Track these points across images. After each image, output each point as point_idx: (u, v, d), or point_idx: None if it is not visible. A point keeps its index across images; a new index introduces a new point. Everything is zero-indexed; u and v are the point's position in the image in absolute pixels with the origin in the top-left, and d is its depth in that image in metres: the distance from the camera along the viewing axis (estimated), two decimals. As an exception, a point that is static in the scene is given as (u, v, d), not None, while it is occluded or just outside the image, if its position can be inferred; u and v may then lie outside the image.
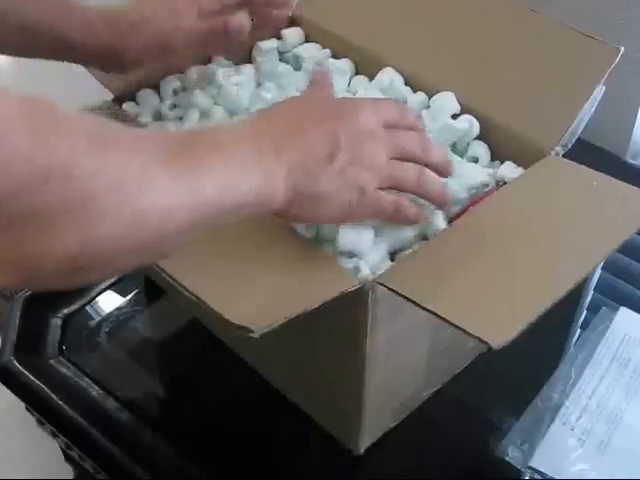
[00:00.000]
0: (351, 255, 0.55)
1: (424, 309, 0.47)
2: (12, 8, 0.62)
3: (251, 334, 0.45)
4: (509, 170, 0.65)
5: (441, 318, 0.46)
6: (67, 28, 0.63)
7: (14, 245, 0.36)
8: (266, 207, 0.49)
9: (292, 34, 0.79)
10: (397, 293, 0.49)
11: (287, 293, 0.50)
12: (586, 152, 0.65)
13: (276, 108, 0.54)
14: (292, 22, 0.80)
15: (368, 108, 0.55)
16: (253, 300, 0.49)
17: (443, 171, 0.57)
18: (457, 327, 0.46)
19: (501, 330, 0.45)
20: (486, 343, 0.44)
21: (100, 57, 0.65)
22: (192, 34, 0.66)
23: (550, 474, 0.64)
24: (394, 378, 0.63)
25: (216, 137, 0.47)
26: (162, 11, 0.66)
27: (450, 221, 0.59)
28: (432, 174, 0.56)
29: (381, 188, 0.54)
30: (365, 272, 0.54)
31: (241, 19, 0.67)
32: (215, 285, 0.49)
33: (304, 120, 0.52)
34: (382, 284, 0.51)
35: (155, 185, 0.41)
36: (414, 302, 0.48)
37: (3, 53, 0.64)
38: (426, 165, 0.56)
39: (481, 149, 0.68)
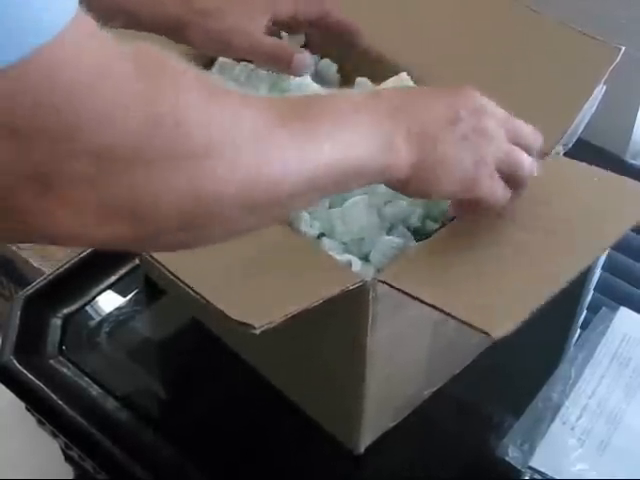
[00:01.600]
0: (344, 250, 0.56)
1: (425, 304, 0.47)
2: None
3: (252, 331, 0.45)
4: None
5: (443, 312, 0.47)
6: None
7: (127, 189, 0.35)
8: (387, 174, 0.46)
9: (291, 35, 0.78)
10: (398, 289, 0.49)
11: (288, 291, 0.50)
12: (586, 152, 0.65)
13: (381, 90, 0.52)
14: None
15: (478, 94, 0.52)
16: (254, 297, 0.49)
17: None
18: (459, 320, 0.46)
19: (502, 322, 0.45)
20: (487, 334, 0.44)
21: (167, 29, 0.63)
22: (256, 47, 0.64)
23: (550, 474, 0.64)
24: (395, 377, 0.63)
25: (330, 102, 0.45)
26: (237, 7, 0.63)
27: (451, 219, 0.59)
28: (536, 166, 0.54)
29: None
30: (356, 267, 0.54)
31: (307, 59, 0.64)
32: (216, 282, 0.50)
33: (419, 94, 0.51)
34: (383, 281, 0.51)
35: (270, 141, 0.39)
36: (415, 297, 0.48)
37: None
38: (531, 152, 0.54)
39: None
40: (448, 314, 0.46)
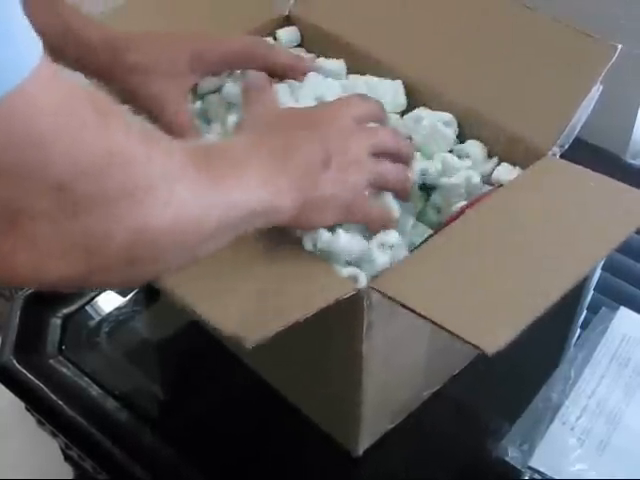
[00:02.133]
0: (349, 264, 0.55)
1: (419, 315, 0.47)
2: None
3: (245, 345, 0.45)
4: (506, 172, 0.65)
5: (436, 324, 0.46)
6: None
7: (80, 230, 0.38)
8: (276, 215, 0.51)
9: (287, 34, 0.78)
10: (391, 299, 0.49)
11: (282, 300, 0.50)
12: (585, 152, 0.65)
13: (261, 126, 0.57)
14: (287, 21, 0.80)
15: (340, 107, 0.59)
16: (247, 307, 0.49)
17: (408, 161, 0.61)
18: (451, 333, 0.46)
19: (496, 335, 0.45)
20: (480, 349, 0.44)
21: (98, 76, 0.65)
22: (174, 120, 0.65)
23: (550, 474, 0.64)
24: (392, 380, 0.63)
25: (230, 153, 0.49)
26: (162, 65, 0.65)
27: (446, 223, 0.59)
28: (405, 168, 0.60)
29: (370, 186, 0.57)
30: (363, 282, 0.53)
31: (260, 79, 0.66)
32: (209, 292, 0.50)
33: (292, 133, 0.55)
34: (377, 290, 0.51)
35: (195, 183, 0.43)
36: (409, 308, 0.48)
37: None
38: (398, 156, 0.59)
39: (476, 148, 0.67)
40: (441, 327, 0.46)
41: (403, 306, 0.48)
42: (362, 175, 0.55)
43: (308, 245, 0.55)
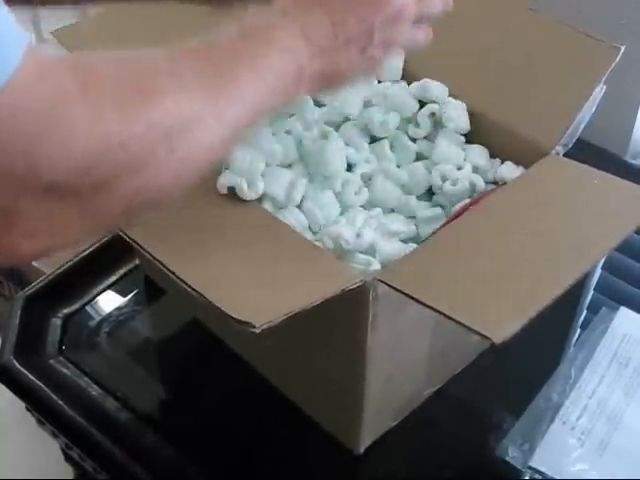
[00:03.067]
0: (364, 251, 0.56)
1: (425, 306, 0.47)
2: None
3: (252, 330, 0.45)
4: (509, 170, 0.65)
5: (443, 314, 0.47)
6: None
7: (78, 215, 0.40)
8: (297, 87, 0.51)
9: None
10: (398, 290, 0.49)
11: (288, 290, 0.50)
12: (586, 152, 0.66)
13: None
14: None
15: None
16: (254, 297, 0.49)
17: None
18: (459, 323, 0.46)
19: (502, 325, 0.45)
20: (488, 338, 0.44)
21: None
22: None
23: (550, 474, 0.64)
24: (395, 377, 0.63)
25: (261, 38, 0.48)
26: None
27: (450, 220, 0.59)
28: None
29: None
30: (376, 267, 0.54)
31: None
32: (217, 282, 0.50)
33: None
34: (383, 281, 0.51)
35: (202, 126, 0.43)
36: (415, 299, 0.48)
37: None
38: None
39: (481, 157, 0.68)
40: (449, 317, 0.46)
41: (409, 297, 0.48)
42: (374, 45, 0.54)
43: (328, 244, 0.56)
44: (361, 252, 0.57)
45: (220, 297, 0.47)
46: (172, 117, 0.42)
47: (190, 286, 0.48)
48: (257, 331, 0.45)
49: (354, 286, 0.50)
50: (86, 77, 0.39)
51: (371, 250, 0.57)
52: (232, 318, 0.46)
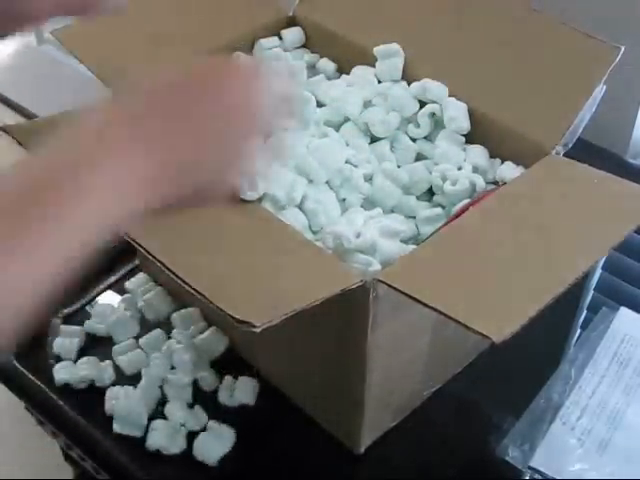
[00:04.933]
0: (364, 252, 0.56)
1: (425, 306, 0.47)
2: None
3: (253, 329, 0.45)
4: (509, 170, 0.65)
5: (443, 314, 0.47)
6: None
7: None
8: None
9: (291, 34, 0.78)
10: (398, 290, 0.49)
11: (289, 290, 0.50)
12: (587, 152, 0.66)
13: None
14: (292, 22, 0.80)
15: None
16: (255, 296, 0.49)
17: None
18: (459, 323, 0.46)
19: (502, 325, 0.45)
20: (488, 338, 0.44)
21: None
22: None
23: (550, 474, 0.64)
24: (395, 376, 0.63)
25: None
26: None
27: (450, 220, 0.59)
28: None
29: None
30: (376, 267, 0.54)
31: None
32: (218, 282, 0.50)
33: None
34: (383, 281, 0.51)
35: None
36: (415, 299, 0.48)
37: None
38: None
39: (482, 159, 0.68)
40: (449, 317, 0.46)
41: (409, 297, 0.48)
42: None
43: (329, 244, 0.56)
44: (361, 252, 0.57)
45: (220, 296, 0.47)
46: None
47: (190, 286, 0.48)
48: (257, 330, 0.45)
49: (354, 286, 0.50)
50: None
51: (371, 250, 0.57)
52: (232, 317, 0.46)
